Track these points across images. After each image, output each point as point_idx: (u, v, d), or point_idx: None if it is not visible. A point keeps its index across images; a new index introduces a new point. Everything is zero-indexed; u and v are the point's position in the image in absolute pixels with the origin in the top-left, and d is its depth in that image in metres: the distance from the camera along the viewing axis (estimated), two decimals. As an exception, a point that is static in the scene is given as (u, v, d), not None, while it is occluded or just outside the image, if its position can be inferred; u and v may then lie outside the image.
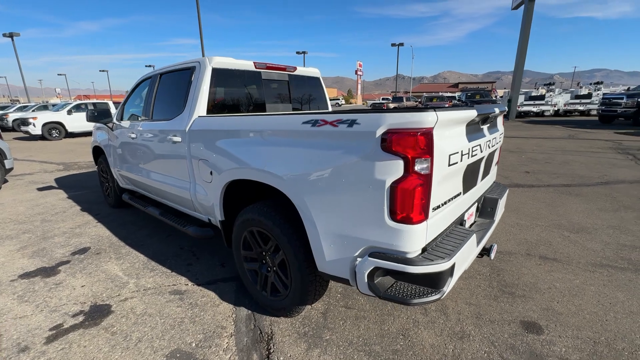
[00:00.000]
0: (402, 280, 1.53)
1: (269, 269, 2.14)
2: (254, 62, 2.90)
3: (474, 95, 20.54)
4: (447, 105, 19.09)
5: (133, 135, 3.29)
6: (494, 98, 21.50)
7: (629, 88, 17.78)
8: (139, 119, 3.36)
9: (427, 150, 1.34)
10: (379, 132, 1.38)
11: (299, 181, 1.69)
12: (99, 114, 3.67)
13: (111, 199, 4.50)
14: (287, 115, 1.83)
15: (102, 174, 4.64)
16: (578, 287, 2.42)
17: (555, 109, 20.23)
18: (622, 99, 13.62)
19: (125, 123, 3.59)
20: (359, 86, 67.75)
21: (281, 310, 2.11)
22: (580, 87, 29.27)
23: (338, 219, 1.59)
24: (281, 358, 1.83)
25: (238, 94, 2.85)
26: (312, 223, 1.67)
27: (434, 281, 1.46)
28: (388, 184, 1.39)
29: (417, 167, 1.35)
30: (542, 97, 20.06)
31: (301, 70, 3.35)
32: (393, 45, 32.44)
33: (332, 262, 1.67)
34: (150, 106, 3.16)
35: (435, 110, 1.35)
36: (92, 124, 4.91)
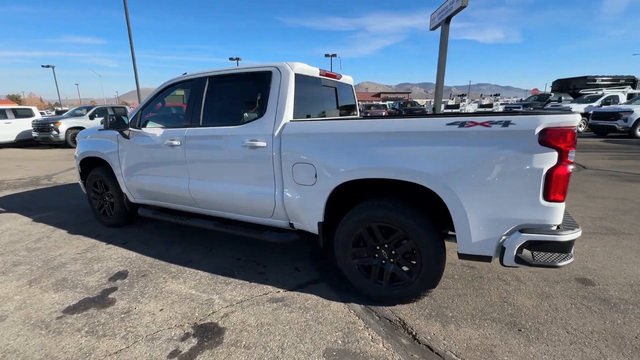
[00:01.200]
0: (543, 250, 1.89)
1: (386, 260, 2.30)
2: (319, 69, 3.00)
3: (405, 104, 23.02)
4: (383, 113, 20.88)
5: (175, 143, 3.03)
6: (421, 107, 24.38)
7: (521, 99, 22.07)
8: (182, 125, 3.10)
9: (573, 144, 1.74)
10: (537, 130, 1.73)
11: (449, 176, 1.92)
12: (117, 120, 3.25)
13: (111, 217, 3.93)
14: (427, 118, 2.04)
15: (94, 189, 4.02)
16: (589, 249, 3.15)
17: (468, 116, 23.92)
18: (519, 107, 16.96)
19: (154, 130, 3.26)
20: None
21: (403, 298, 2.28)
22: (483, 98, 35.05)
23: (490, 205, 1.88)
24: (427, 337, 2.02)
25: (309, 99, 2.91)
26: (461, 212, 1.93)
27: (569, 247, 1.86)
28: (545, 171, 1.74)
29: (568, 157, 1.74)
30: (457, 106, 23.56)
31: (343, 78, 3.55)
32: (327, 55, 34.18)
33: (478, 243, 1.95)
34: (199, 111, 2.97)
35: (573, 114, 1.76)
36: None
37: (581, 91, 17.16)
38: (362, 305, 2.35)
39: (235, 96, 2.97)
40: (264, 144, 2.55)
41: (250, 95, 2.90)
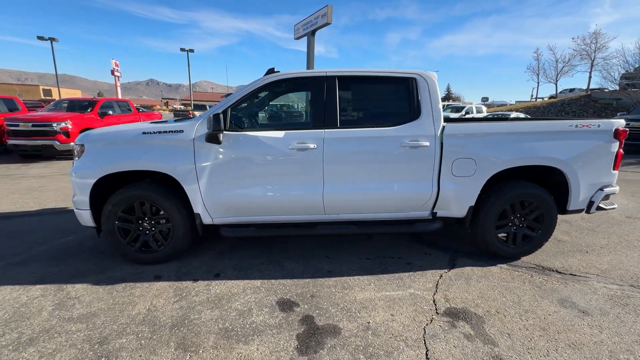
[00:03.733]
0: (606, 200, 3.17)
1: (516, 227, 3.10)
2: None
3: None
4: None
5: (311, 146, 2.75)
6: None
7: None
8: (311, 126, 2.81)
9: (624, 137, 3.05)
10: (613, 129, 2.95)
11: (571, 159, 2.91)
12: (216, 121, 2.58)
13: (162, 250, 2.93)
14: (556, 121, 2.95)
15: (124, 216, 2.85)
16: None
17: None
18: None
19: (267, 133, 2.78)
20: (119, 89, 58.06)
21: (529, 251, 3.15)
22: None
23: (590, 176, 3.00)
24: (554, 267, 2.98)
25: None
26: (576, 182, 2.96)
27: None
28: (614, 152, 3.00)
29: (622, 144, 3.05)
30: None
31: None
32: (182, 50, 30.29)
33: (581, 201, 3.05)
34: (335, 112, 2.83)
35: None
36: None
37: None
38: (507, 264, 3.07)
39: (377, 98, 2.99)
40: (427, 144, 2.83)
41: (394, 98, 3.01)
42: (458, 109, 18.71)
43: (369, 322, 2.21)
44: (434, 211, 3.05)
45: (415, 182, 2.92)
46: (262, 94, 2.99)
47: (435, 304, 2.42)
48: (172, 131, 2.76)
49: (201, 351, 1.93)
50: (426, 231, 3.07)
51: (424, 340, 2.05)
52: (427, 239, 3.63)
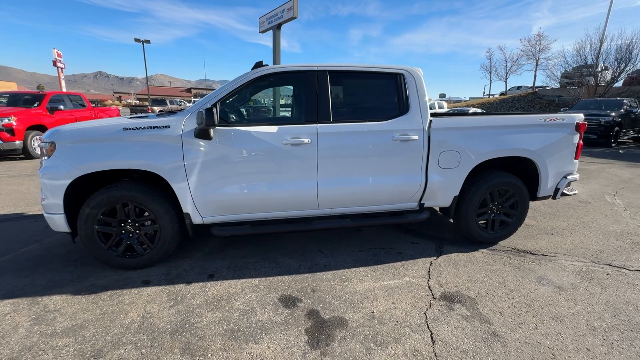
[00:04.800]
0: (569, 186, 3.52)
1: (495, 213, 3.34)
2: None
3: None
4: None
5: (305, 140, 2.73)
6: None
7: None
8: (304, 121, 2.79)
9: (584, 129, 3.39)
10: (574, 122, 3.27)
11: (541, 150, 3.18)
12: (209, 116, 2.46)
13: (148, 253, 2.76)
14: (528, 115, 3.19)
15: (103, 219, 2.63)
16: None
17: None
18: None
19: (259, 128, 2.72)
20: (63, 82, 53.75)
21: (506, 236, 3.41)
22: None
23: (557, 164, 3.30)
24: (531, 249, 3.27)
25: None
26: (546, 171, 3.25)
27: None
28: (576, 143, 3.33)
29: (582, 136, 3.39)
30: (289, 105, 26.34)
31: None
32: (137, 40, 27.90)
33: (549, 188, 3.36)
34: (327, 106, 2.83)
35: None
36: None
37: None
38: (487, 249, 3.30)
39: (367, 93, 3.02)
40: (416, 137, 2.94)
41: (384, 93, 3.06)
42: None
43: (373, 312, 2.27)
44: (422, 202, 3.19)
45: (405, 174, 3.02)
46: (252, 88, 2.90)
47: (431, 290, 2.55)
48: (157, 127, 2.59)
49: (209, 354, 1.87)
50: (415, 221, 3.21)
51: (427, 324, 2.15)
52: (412, 229, 3.78)
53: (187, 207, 2.71)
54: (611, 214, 4.35)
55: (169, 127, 2.61)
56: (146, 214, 2.71)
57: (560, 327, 2.13)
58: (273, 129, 2.75)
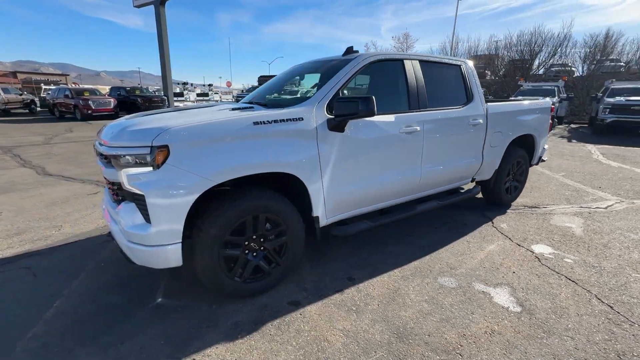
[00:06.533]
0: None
1: (512, 180, 4.18)
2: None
3: (133, 90, 19.39)
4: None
5: (417, 128, 2.78)
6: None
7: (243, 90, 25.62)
8: (405, 109, 2.82)
9: (553, 111, 4.56)
10: (550, 106, 4.37)
11: (537, 127, 4.13)
12: (366, 103, 2.24)
13: (276, 270, 2.32)
14: (529, 101, 4.05)
15: (232, 239, 2.06)
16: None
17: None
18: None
19: (383, 117, 2.61)
20: None
21: (514, 199, 4.32)
22: (195, 88, 35.55)
23: (544, 138, 4.35)
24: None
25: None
26: (539, 143, 4.25)
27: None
28: (549, 121, 4.47)
29: (551, 116, 4.55)
30: (181, 94, 23.39)
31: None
32: None
33: (538, 157, 4.40)
34: (424, 95, 2.95)
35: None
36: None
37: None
38: (510, 209, 4.12)
39: (444, 82, 3.21)
40: (481, 121, 3.38)
41: (454, 82, 3.31)
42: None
43: (514, 272, 2.64)
44: (474, 177, 3.71)
45: (474, 153, 3.46)
46: (360, 76, 2.71)
47: (522, 246, 3.10)
48: (290, 119, 2.18)
49: (460, 345, 1.86)
50: (472, 196, 3.70)
51: (552, 267, 2.66)
52: (450, 205, 4.30)
53: (318, 209, 2.41)
54: (547, 177, 5.98)
55: (302, 119, 2.23)
56: (267, 225, 2.26)
57: (610, 253, 3.00)
58: (391, 117, 2.69)
